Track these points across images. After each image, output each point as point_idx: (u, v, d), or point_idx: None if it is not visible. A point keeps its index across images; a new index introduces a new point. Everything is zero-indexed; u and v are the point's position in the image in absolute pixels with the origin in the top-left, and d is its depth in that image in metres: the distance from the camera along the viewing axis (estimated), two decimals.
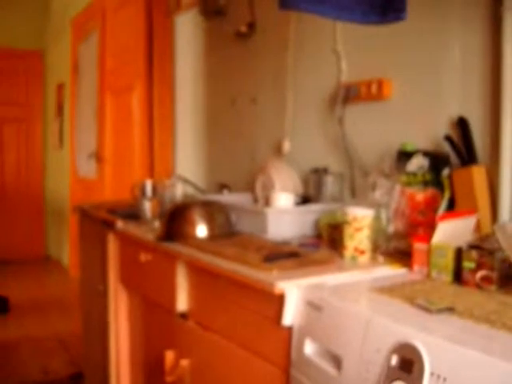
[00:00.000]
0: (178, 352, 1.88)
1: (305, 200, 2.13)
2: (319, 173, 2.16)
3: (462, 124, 1.76)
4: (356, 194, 2.13)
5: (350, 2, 1.61)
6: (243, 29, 2.78)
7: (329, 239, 1.81)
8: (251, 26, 2.76)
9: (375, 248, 1.61)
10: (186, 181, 2.76)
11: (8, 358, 3.57)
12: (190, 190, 2.90)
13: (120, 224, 2.31)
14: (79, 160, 5.39)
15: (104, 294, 2.50)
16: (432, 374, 0.96)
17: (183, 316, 1.86)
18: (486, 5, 1.70)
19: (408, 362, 1.00)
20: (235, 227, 2.00)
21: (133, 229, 2.22)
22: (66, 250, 6.15)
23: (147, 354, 2.22)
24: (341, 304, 1.22)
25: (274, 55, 2.62)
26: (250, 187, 2.52)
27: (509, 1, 1.61)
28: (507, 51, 1.63)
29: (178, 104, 3.52)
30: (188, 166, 3.40)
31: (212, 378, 1.72)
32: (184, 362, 1.83)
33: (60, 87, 6.30)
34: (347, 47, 2.21)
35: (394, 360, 1.03)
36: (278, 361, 1.39)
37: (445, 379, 0.94)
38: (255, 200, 2.33)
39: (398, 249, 1.63)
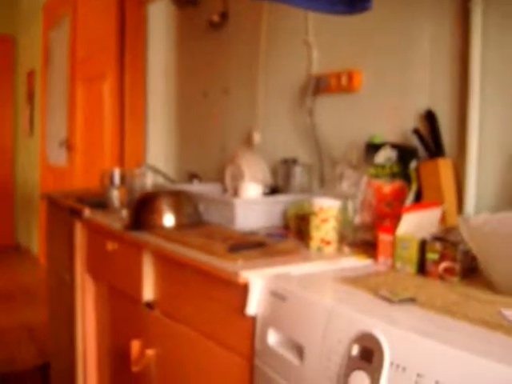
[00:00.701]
0: (143, 342, 1.87)
1: (274, 191, 2.13)
2: (288, 163, 2.16)
3: (429, 117, 1.77)
4: (324, 185, 2.13)
5: None
6: (216, 18, 2.77)
7: (296, 230, 1.81)
8: (224, 15, 2.74)
9: (341, 239, 1.61)
10: (155, 170, 2.74)
11: None
12: (161, 180, 2.88)
13: (87, 212, 2.29)
14: (50, 148, 5.33)
15: (71, 284, 2.48)
16: (392, 363, 0.97)
17: (149, 306, 1.85)
18: None
19: (368, 352, 1.01)
20: (203, 217, 2.00)
21: (100, 217, 2.20)
22: (36, 238, 6.08)
23: (114, 344, 2.21)
24: (304, 294, 1.22)
25: (246, 45, 2.61)
26: (220, 178, 2.51)
27: None
28: (475, 45, 1.64)
29: (150, 93, 3.49)
30: (159, 156, 3.38)
31: (178, 367, 1.72)
32: (150, 352, 1.82)
33: (31, 74, 6.21)
34: (319, 39, 2.21)
35: (355, 350, 1.03)
36: (243, 350, 1.39)
37: (404, 369, 0.94)
38: (224, 190, 2.32)
39: (364, 240, 1.64)
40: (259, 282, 1.32)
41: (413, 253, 1.38)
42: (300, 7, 1.71)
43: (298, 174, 2.11)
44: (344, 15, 1.67)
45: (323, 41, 2.19)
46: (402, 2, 1.88)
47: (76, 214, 2.38)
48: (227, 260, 1.44)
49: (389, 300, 1.14)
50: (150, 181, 2.66)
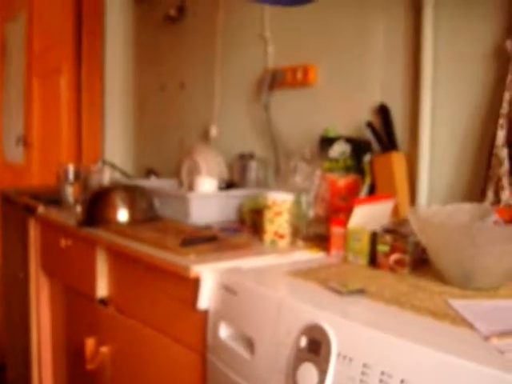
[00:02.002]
0: (98, 339, 1.85)
1: (230, 185, 2.12)
2: (245, 158, 2.15)
3: (383, 111, 1.79)
4: (280, 179, 2.13)
5: None
6: (173, 12, 2.74)
7: (251, 224, 1.80)
8: (181, 9, 2.72)
9: (295, 232, 1.61)
10: (112, 166, 2.71)
11: None
12: (119, 176, 2.85)
13: (41, 209, 2.25)
14: (7, 145, 5.22)
15: (25, 281, 2.43)
16: (339, 354, 0.97)
17: (103, 302, 1.82)
18: None
19: (316, 344, 1.01)
20: (158, 212, 1.98)
21: (54, 214, 2.17)
22: None
23: (69, 342, 2.18)
24: (254, 287, 1.22)
25: (203, 40, 2.59)
26: (177, 173, 2.49)
27: None
28: (427, 40, 1.67)
29: (108, 88, 3.44)
30: (117, 152, 3.34)
31: (132, 364, 1.70)
32: (104, 349, 1.80)
33: None
34: (275, 33, 2.20)
35: (303, 342, 1.03)
36: (195, 345, 1.38)
37: (351, 359, 0.95)
38: (181, 185, 2.31)
39: (318, 233, 1.64)
40: (210, 276, 1.31)
41: (364, 245, 1.39)
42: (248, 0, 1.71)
43: (254, 168, 2.11)
44: (288, 7, 1.67)
45: (279, 35, 2.19)
46: None
47: (30, 211, 2.34)
48: (179, 254, 1.43)
49: (338, 292, 1.14)
50: (107, 177, 2.62)
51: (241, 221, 1.91)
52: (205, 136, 2.55)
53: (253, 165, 2.11)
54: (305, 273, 1.31)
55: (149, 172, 2.72)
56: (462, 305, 1.06)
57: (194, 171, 2.18)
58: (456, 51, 1.62)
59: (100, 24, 3.46)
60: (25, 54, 4.54)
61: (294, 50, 2.13)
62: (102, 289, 1.81)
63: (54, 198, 2.39)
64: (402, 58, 1.76)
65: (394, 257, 1.32)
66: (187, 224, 1.86)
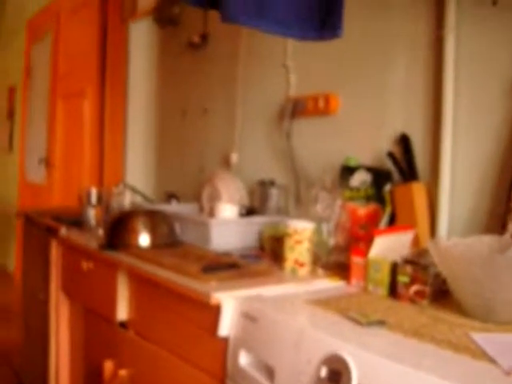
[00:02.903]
0: (117, 362, 1.86)
1: (250, 211, 2.14)
2: (265, 185, 2.17)
3: (404, 141, 1.80)
4: (300, 207, 2.15)
5: (288, 17, 1.63)
6: (196, 39, 2.79)
7: (271, 251, 1.82)
8: (204, 36, 2.76)
9: (316, 261, 1.62)
10: (132, 189, 2.74)
11: None
12: (139, 199, 2.88)
13: (63, 231, 2.28)
14: (29, 165, 5.30)
15: (45, 303, 2.46)
16: None
17: (123, 325, 1.84)
18: (429, 26, 1.75)
19: (336, 374, 1.01)
20: (179, 237, 2.00)
21: (76, 236, 2.19)
22: (12, 256, 6.01)
23: (87, 364, 2.19)
24: (275, 315, 1.23)
25: (225, 67, 2.63)
26: (198, 198, 2.52)
27: (450, 22, 1.66)
28: (448, 72, 1.68)
29: (130, 111, 3.49)
30: (138, 175, 3.38)
31: None
32: (123, 372, 1.81)
33: (12, 90, 6.18)
34: (297, 62, 2.23)
35: (324, 371, 1.04)
36: (215, 372, 1.39)
37: None
38: (201, 210, 2.33)
39: (338, 262, 1.65)
40: (231, 304, 1.32)
41: (384, 275, 1.40)
42: (272, 33, 1.73)
43: (275, 195, 2.13)
44: (314, 41, 1.70)
45: (301, 64, 2.22)
46: (379, 30, 1.91)
47: (52, 232, 2.37)
48: (200, 281, 1.44)
49: (359, 322, 1.15)
50: (128, 200, 2.65)
51: (260, 247, 1.92)
52: (226, 162, 2.57)
53: (273, 192, 2.13)
54: (325, 302, 1.32)
55: (169, 196, 2.75)
56: (483, 338, 1.06)
57: (215, 197, 2.20)
58: (477, 84, 1.64)
59: (124, 48, 3.53)
60: (50, 75, 4.63)
61: (316, 79, 2.16)
62: (122, 312, 1.83)
63: (76, 220, 2.42)
64: (423, 89, 1.78)
65: (414, 288, 1.33)
66: (207, 249, 1.87)
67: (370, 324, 1.13)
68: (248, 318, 1.27)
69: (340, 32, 1.64)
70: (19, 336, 3.73)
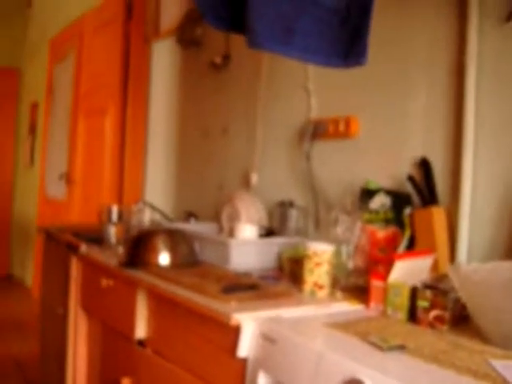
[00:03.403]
0: (134, 379, 1.87)
1: (269, 232, 2.15)
2: (284, 206, 2.18)
3: (424, 165, 1.81)
4: (320, 229, 2.16)
5: (313, 44, 1.65)
6: (218, 60, 2.82)
7: (290, 273, 1.82)
8: (226, 57, 2.80)
9: (334, 283, 1.63)
10: (152, 207, 2.76)
11: None
12: (158, 217, 2.90)
13: (84, 248, 2.31)
14: (49, 180, 5.35)
15: (64, 318, 2.48)
16: None
17: (141, 343, 1.85)
18: (450, 52, 1.76)
19: None
20: (198, 257, 2.01)
21: (96, 253, 2.22)
22: (30, 270, 6.06)
23: (104, 380, 2.20)
24: (294, 337, 1.23)
25: (246, 88, 2.66)
26: (217, 217, 2.53)
27: (472, 48, 1.67)
28: (469, 97, 1.69)
29: (151, 130, 3.53)
30: (157, 193, 3.41)
31: None
32: None
33: (34, 106, 6.28)
34: (317, 84, 2.25)
35: None
36: None
37: None
38: (220, 230, 2.34)
39: (357, 285, 1.65)
40: (251, 325, 1.33)
41: (404, 300, 1.40)
42: (296, 59, 1.76)
43: (294, 216, 2.14)
44: (338, 68, 1.72)
45: (322, 87, 2.24)
46: (400, 55, 1.93)
47: (72, 248, 2.39)
48: (220, 301, 1.45)
49: (378, 347, 1.15)
50: (147, 217, 2.67)
51: (279, 268, 1.93)
52: (245, 182, 2.59)
53: (293, 213, 2.14)
54: (344, 325, 1.32)
55: (188, 215, 2.77)
56: (503, 365, 1.06)
57: (235, 217, 2.21)
58: (499, 109, 1.64)
59: (146, 68, 3.58)
60: (72, 93, 4.69)
61: (337, 102, 2.17)
62: (141, 330, 1.84)
63: (96, 237, 2.44)
64: (444, 114, 1.79)
65: (433, 313, 1.33)
66: (227, 269, 1.88)
67: (390, 349, 1.13)
68: (267, 339, 1.27)
69: (364, 60, 1.66)
70: (34, 349, 3.77)
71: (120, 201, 3.47)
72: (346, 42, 1.64)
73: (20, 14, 6.69)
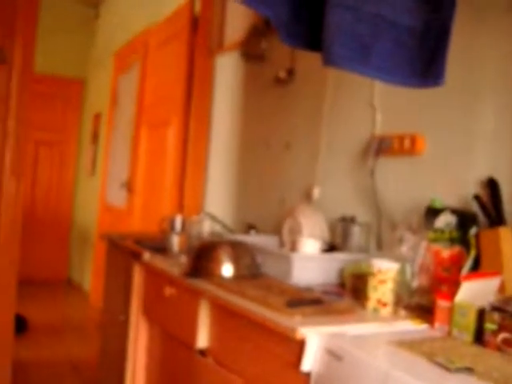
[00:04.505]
0: None
1: (331, 247, 2.15)
2: (347, 221, 2.18)
3: (491, 184, 1.78)
4: (382, 246, 2.15)
5: (391, 64, 1.66)
6: (282, 74, 2.85)
7: (352, 289, 1.82)
8: (290, 72, 2.82)
9: (398, 301, 1.62)
10: (214, 218, 2.80)
11: (21, 377, 3.59)
12: (218, 228, 2.94)
13: (147, 256, 2.35)
14: (109, 188, 5.48)
15: (125, 324, 2.53)
16: None
17: (202, 353, 1.88)
18: None
19: None
20: (260, 269, 2.03)
21: (159, 262, 2.26)
22: (88, 275, 6.21)
23: None
24: (361, 356, 1.23)
25: (310, 102, 2.67)
26: (277, 230, 2.55)
27: None
28: None
29: (213, 142, 3.58)
30: (217, 204, 3.45)
31: None
32: None
33: (97, 116, 6.45)
34: (383, 101, 2.25)
35: None
36: None
37: None
38: (281, 244, 2.36)
39: (420, 304, 1.64)
40: (316, 339, 1.34)
41: (470, 321, 1.38)
42: (373, 78, 1.77)
43: (356, 232, 2.13)
44: (416, 88, 1.71)
45: (388, 104, 2.23)
46: (469, 74, 1.91)
47: (135, 256, 2.45)
48: (285, 315, 1.46)
49: (445, 368, 1.14)
50: (207, 228, 2.71)
51: (341, 285, 1.93)
52: (307, 196, 2.60)
53: (355, 229, 2.13)
54: (409, 344, 1.31)
55: (249, 227, 2.79)
56: None
57: (296, 231, 2.22)
58: None
59: (210, 81, 3.63)
60: (135, 105, 4.80)
61: (402, 119, 2.17)
62: (203, 340, 1.87)
63: (158, 246, 2.49)
64: None
65: (502, 336, 1.31)
66: (288, 283, 1.89)
67: (458, 370, 1.13)
68: (333, 355, 1.28)
69: (442, 81, 1.65)
70: (91, 352, 3.86)
71: (180, 211, 3.53)
72: (424, 61, 1.63)
73: (87, 25, 6.90)
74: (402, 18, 1.65)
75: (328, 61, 1.64)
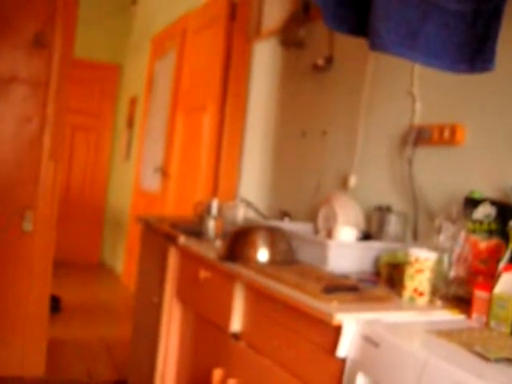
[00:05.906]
0: (226, 371, 1.91)
1: (366, 236, 2.15)
2: (383, 211, 2.17)
3: None
4: (418, 236, 2.13)
5: (438, 49, 1.64)
6: (320, 62, 2.83)
7: (387, 278, 1.82)
8: (329, 59, 2.80)
9: (434, 291, 1.61)
10: (249, 204, 2.81)
11: (54, 356, 3.66)
12: (251, 214, 2.94)
13: (182, 239, 2.37)
14: (144, 173, 5.53)
15: (158, 307, 2.56)
16: None
17: (235, 336, 1.89)
18: None
19: None
20: (296, 255, 2.03)
21: (195, 245, 2.28)
22: (121, 258, 6.29)
23: (195, 370, 2.26)
24: (399, 343, 1.23)
25: (348, 90, 2.66)
26: (311, 218, 2.55)
27: None
28: None
29: (248, 128, 3.59)
30: (251, 190, 3.46)
31: None
32: (232, 382, 1.85)
33: (133, 101, 6.50)
34: (423, 89, 2.23)
35: None
36: None
37: None
38: (316, 231, 2.36)
39: (457, 294, 1.63)
40: (352, 326, 1.34)
41: (509, 313, 1.37)
42: (421, 63, 1.75)
43: (393, 222, 2.12)
44: (464, 74, 1.69)
45: (427, 93, 2.21)
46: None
47: (170, 239, 2.47)
48: (321, 300, 1.47)
49: (485, 357, 1.13)
50: (241, 214, 2.73)
51: (376, 273, 1.93)
52: (343, 184, 2.59)
53: (391, 218, 2.12)
54: (447, 333, 1.31)
55: (283, 214, 2.79)
56: None
57: (331, 218, 2.22)
58: None
59: (247, 67, 3.64)
60: (171, 90, 4.83)
61: (442, 108, 2.14)
62: (237, 323, 1.88)
63: (193, 229, 2.51)
64: None
65: None
66: (324, 270, 1.90)
67: (497, 360, 1.12)
68: (369, 341, 1.28)
69: (492, 66, 1.62)
70: (123, 334, 3.92)
71: (214, 196, 3.54)
72: (473, 46, 1.61)
73: (125, 11, 6.94)
74: (450, 2, 1.63)
75: (375, 45, 1.63)
